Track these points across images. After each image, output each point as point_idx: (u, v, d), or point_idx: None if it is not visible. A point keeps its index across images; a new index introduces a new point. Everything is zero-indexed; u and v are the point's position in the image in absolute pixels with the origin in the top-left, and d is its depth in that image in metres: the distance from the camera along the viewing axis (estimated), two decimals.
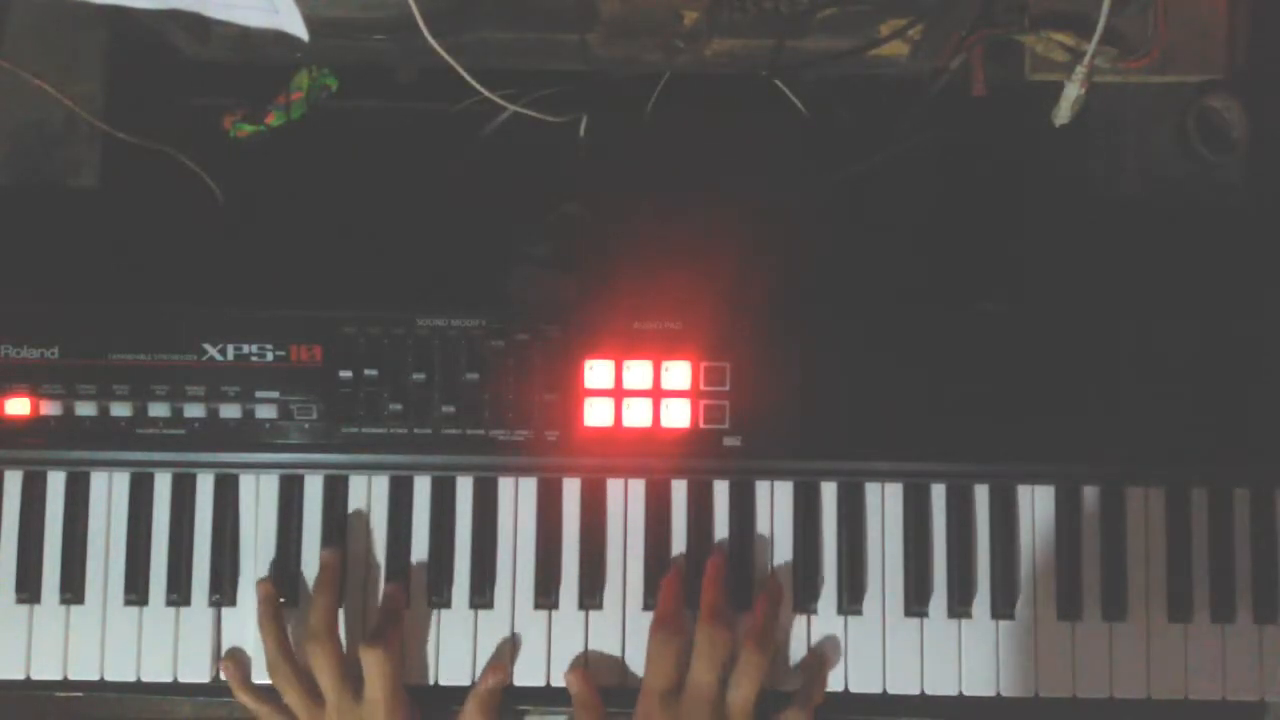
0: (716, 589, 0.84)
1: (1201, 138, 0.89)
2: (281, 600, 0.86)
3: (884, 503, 0.87)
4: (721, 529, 0.87)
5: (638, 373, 0.84)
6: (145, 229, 0.91)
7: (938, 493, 0.87)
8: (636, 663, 0.86)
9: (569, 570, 0.87)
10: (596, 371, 0.84)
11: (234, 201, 0.92)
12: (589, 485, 0.87)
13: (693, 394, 0.84)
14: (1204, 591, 0.86)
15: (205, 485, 0.88)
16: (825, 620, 0.86)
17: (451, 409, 0.84)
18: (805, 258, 0.89)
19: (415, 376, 0.84)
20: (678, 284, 0.86)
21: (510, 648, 0.86)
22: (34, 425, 0.84)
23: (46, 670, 0.87)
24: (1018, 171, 0.92)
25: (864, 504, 0.87)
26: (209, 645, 0.87)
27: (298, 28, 0.72)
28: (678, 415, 0.84)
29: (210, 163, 0.91)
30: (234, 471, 0.87)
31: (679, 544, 0.87)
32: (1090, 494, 0.87)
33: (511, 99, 0.87)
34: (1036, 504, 0.87)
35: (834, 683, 0.86)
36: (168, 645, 0.87)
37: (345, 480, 0.87)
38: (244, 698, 0.86)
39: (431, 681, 0.86)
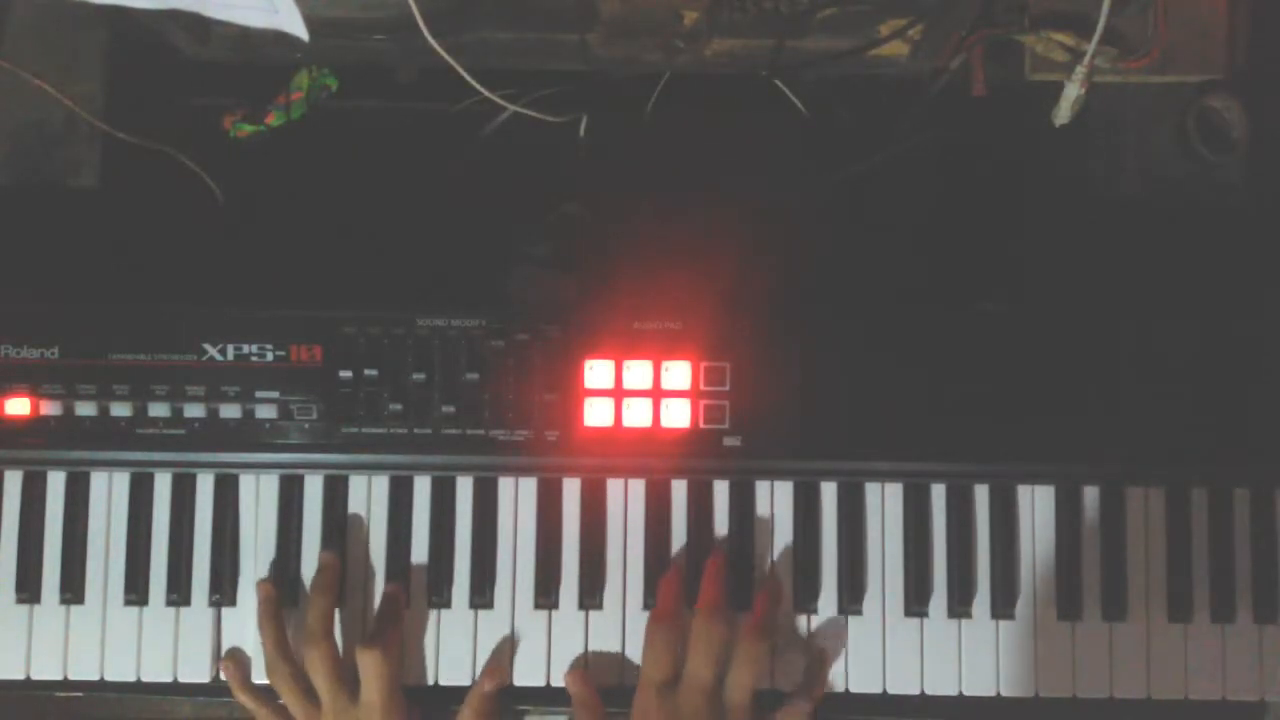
0: (715, 585, 0.84)
1: (1201, 138, 0.89)
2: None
3: (884, 503, 0.87)
4: (721, 529, 0.87)
5: (638, 373, 0.84)
6: (145, 229, 0.91)
7: (938, 493, 0.87)
8: (636, 663, 0.85)
9: (569, 570, 0.87)
10: (596, 371, 0.84)
11: (234, 201, 0.92)
12: (589, 485, 0.87)
13: (693, 394, 0.84)
14: (1204, 591, 0.86)
15: (205, 485, 0.88)
16: (825, 620, 0.86)
17: (451, 409, 0.84)
18: (805, 258, 0.89)
19: (415, 376, 0.84)
20: (678, 284, 0.86)
21: (510, 648, 0.86)
22: (34, 425, 0.84)
23: (46, 670, 0.87)
24: (1018, 171, 0.92)
25: (864, 504, 0.87)
26: (209, 645, 0.87)
27: (298, 28, 0.72)
28: (678, 415, 0.84)
29: (210, 163, 0.91)
30: (234, 471, 0.87)
31: (679, 544, 0.87)
32: (1090, 494, 0.87)
33: (511, 99, 0.87)
34: (1036, 504, 0.87)
35: (834, 683, 0.86)
36: (168, 645, 0.87)
37: (345, 480, 0.87)
38: (243, 698, 0.86)
39: (431, 682, 0.86)
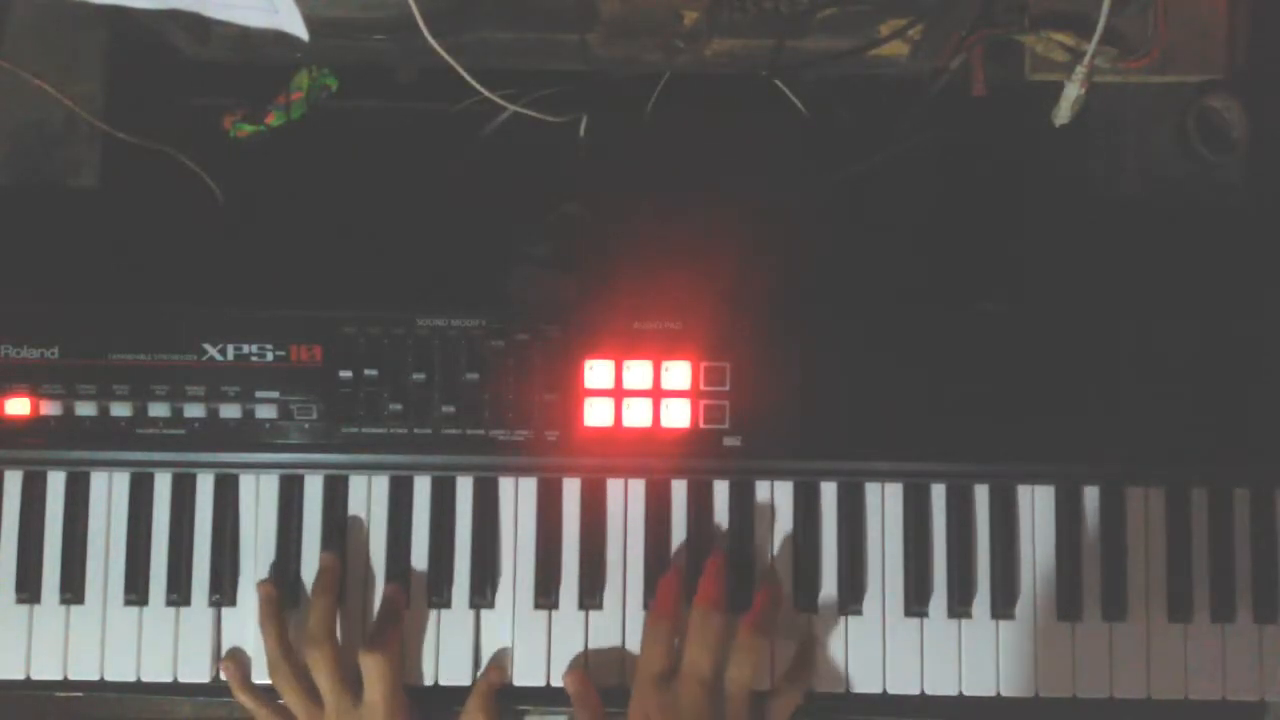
0: (714, 582, 0.84)
1: (1201, 138, 0.89)
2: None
3: (884, 503, 0.87)
4: (721, 529, 0.87)
5: (638, 373, 0.84)
6: (145, 229, 0.91)
7: (938, 493, 0.87)
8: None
9: (569, 570, 0.87)
10: (596, 371, 0.84)
11: (234, 201, 0.92)
12: (589, 485, 0.87)
13: (693, 394, 0.84)
14: (1204, 591, 0.86)
15: (205, 485, 0.88)
16: (825, 620, 0.86)
17: (451, 409, 0.84)
18: (805, 258, 0.89)
19: (415, 376, 0.84)
20: (678, 284, 0.86)
21: (510, 648, 0.86)
22: (34, 425, 0.84)
23: (46, 670, 0.87)
24: (1018, 171, 0.92)
25: (864, 504, 0.87)
26: (209, 645, 0.87)
27: (298, 28, 0.72)
28: (678, 415, 0.84)
29: (210, 163, 0.91)
30: (234, 471, 0.87)
31: (679, 544, 0.87)
32: (1090, 494, 0.87)
33: (511, 99, 0.87)
34: (1036, 504, 0.87)
35: (834, 683, 0.86)
36: (168, 645, 0.87)
37: (345, 480, 0.87)
38: (244, 698, 0.86)
39: (431, 682, 0.86)
